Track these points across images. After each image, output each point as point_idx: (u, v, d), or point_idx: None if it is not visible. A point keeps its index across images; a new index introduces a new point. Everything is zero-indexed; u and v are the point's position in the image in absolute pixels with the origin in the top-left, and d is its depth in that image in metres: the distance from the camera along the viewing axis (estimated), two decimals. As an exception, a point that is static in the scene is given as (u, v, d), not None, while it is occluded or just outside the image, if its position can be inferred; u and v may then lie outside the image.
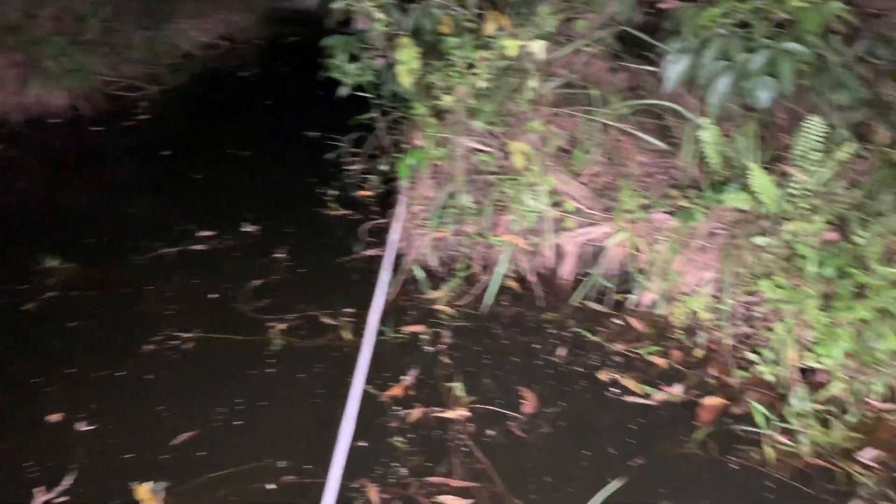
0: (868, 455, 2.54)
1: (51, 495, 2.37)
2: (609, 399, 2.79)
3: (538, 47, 3.19)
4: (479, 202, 3.41)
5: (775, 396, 2.75)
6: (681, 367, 2.92)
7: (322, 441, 2.47)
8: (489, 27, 3.23)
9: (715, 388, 2.82)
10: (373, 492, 2.39)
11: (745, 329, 2.98)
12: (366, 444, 2.54)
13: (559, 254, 3.39)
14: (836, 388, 2.69)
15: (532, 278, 3.38)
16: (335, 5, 3.53)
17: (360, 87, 3.66)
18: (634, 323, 3.15)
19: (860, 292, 2.70)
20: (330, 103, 3.71)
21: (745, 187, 2.93)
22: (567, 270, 3.40)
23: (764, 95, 2.87)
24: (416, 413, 2.70)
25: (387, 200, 3.86)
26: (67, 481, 2.41)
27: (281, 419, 2.67)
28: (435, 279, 3.38)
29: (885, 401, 2.70)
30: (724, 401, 2.75)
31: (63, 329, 3.10)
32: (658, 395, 2.79)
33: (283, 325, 3.10)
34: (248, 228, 3.79)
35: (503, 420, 2.69)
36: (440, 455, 2.53)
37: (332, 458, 2.32)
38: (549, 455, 2.56)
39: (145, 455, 2.52)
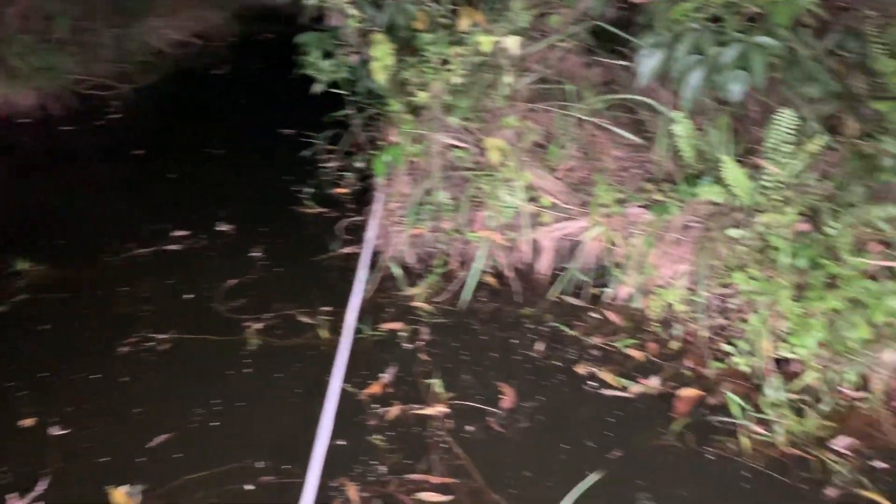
0: (841, 443, 2.57)
1: (24, 501, 2.34)
2: (587, 392, 2.80)
3: (512, 43, 3.19)
4: (456, 198, 3.40)
5: (750, 387, 2.78)
6: (657, 360, 2.94)
7: (300, 440, 2.46)
8: (463, 23, 3.23)
9: (691, 379, 2.84)
10: (352, 490, 2.38)
11: (721, 321, 3.00)
12: (345, 443, 2.54)
13: (536, 249, 3.40)
14: (809, 378, 2.73)
15: (509, 274, 3.39)
16: (308, 2, 3.51)
17: (334, 84, 3.64)
18: (611, 316, 3.16)
19: (832, 283, 2.74)
20: (305, 101, 3.68)
21: (718, 180, 2.95)
22: (544, 265, 3.41)
23: (736, 89, 2.89)
24: (394, 410, 2.69)
25: (363, 198, 3.85)
26: (41, 487, 2.38)
27: (259, 419, 2.66)
28: (412, 276, 3.38)
29: (857, 389, 2.74)
30: (700, 392, 2.78)
31: (35, 332, 3.06)
32: (635, 388, 2.80)
33: (259, 325, 3.08)
34: (223, 227, 3.76)
35: (482, 415, 2.69)
36: (419, 452, 2.53)
37: (311, 458, 2.32)
38: (528, 449, 2.57)
39: (121, 458, 2.49)
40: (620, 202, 3.21)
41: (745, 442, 2.58)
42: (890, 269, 2.69)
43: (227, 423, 2.64)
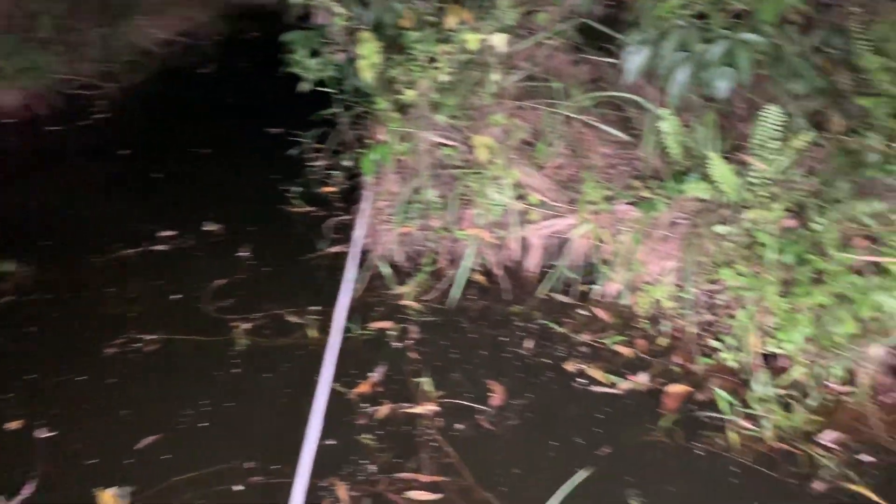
0: (828, 437, 2.59)
1: (11, 504, 2.32)
2: (576, 389, 2.81)
3: (499, 40, 3.19)
4: (444, 196, 3.40)
5: (738, 382, 2.79)
6: (646, 356, 2.95)
7: (289, 440, 2.45)
8: (450, 21, 3.22)
9: (679, 375, 2.86)
10: (342, 490, 2.38)
11: (708, 317, 3.02)
12: (334, 443, 2.53)
13: (525, 246, 3.40)
14: (797, 373, 2.74)
15: (498, 271, 3.39)
16: (294, 0, 3.50)
17: (321, 83, 3.62)
18: (600, 313, 3.17)
19: (818, 278, 2.75)
20: (292, 99, 3.66)
21: (705, 177, 2.96)
22: (533, 263, 3.41)
23: (722, 85, 2.91)
24: (384, 409, 2.69)
25: (351, 196, 3.83)
26: (28, 490, 2.37)
27: (247, 420, 2.65)
28: (401, 275, 3.37)
29: (844, 384, 2.76)
30: (688, 388, 2.79)
31: (21, 334, 3.04)
32: (624, 384, 2.81)
33: (247, 325, 3.07)
34: (211, 227, 3.74)
35: (472, 413, 2.69)
36: (409, 451, 2.53)
37: (300, 458, 2.31)
38: (518, 447, 2.57)
39: (109, 460, 2.48)
40: (608, 199, 3.22)
41: (733, 437, 2.59)
42: (875, 264, 2.71)
43: (216, 424, 2.63)
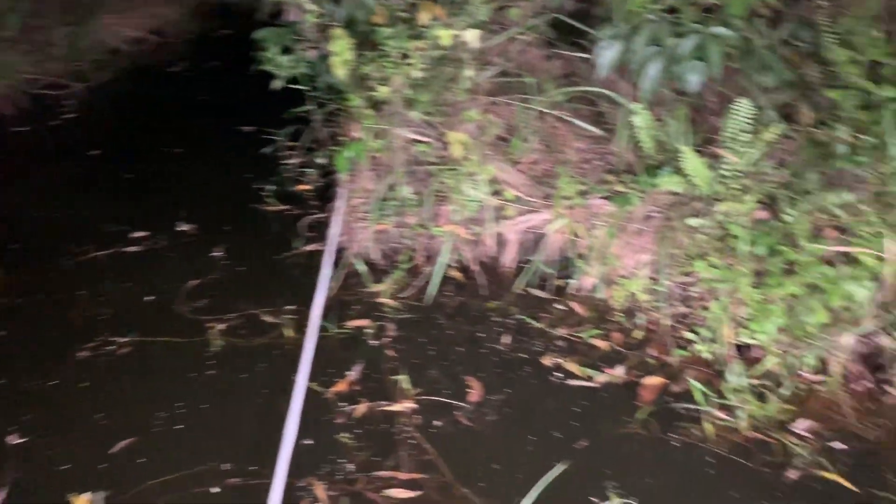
0: (802, 426, 2.63)
1: (-18, 513, 2.28)
2: (553, 384, 2.82)
3: (472, 36, 3.19)
4: (420, 193, 3.39)
5: (713, 373, 2.82)
6: (622, 349, 2.97)
7: (267, 441, 2.44)
8: (423, 17, 3.21)
9: (655, 367, 2.88)
10: (319, 489, 2.36)
11: (682, 309, 3.04)
12: (311, 442, 2.52)
13: (501, 242, 3.41)
14: (770, 363, 2.78)
15: (475, 267, 3.39)
16: (265, -3, 3.47)
17: (294, 80, 3.59)
18: (576, 307, 3.19)
19: (790, 269, 2.79)
20: (264, 97, 3.62)
21: (678, 170, 2.98)
22: (509, 258, 3.42)
23: (694, 79, 2.93)
24: (361, 408, 2.68)
25: (326, 194, 3.81)
26: (0, 497, 2.32)
27: (223, 421, 2.63)
28: (378, 272, 3.36)
29: (816, 373, 2.80)
30: (664, 380, 2.81)
31: (-10, 339, 2.99)
32: (600, 378, 2.83)
33: (222, 326, 3.04)
34: (184, 227, 3.70)
35: (450, 410, 2.69)
36: (387, 449, 2.53)
37: (278, 458, 2.29)
38: (496, 442, 2.58)
39: (82, 465, 2.44)
40: (583, 194, 3.23)
41: (708, 428, 2.61)
42: (845, 254, 2.75)
43: (192, 426, 2.60)
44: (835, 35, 2.89)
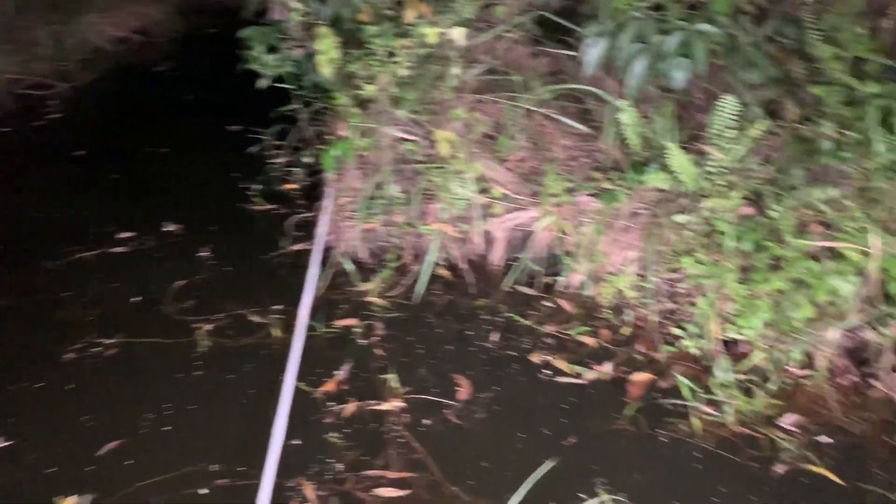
0: (789, 420, 2.64)
1: (-33, 517, 2.26)
2: (542, 381, 2.82)
3: (458, 34, 3.18)
4: (407, 191, 3.39)
5: (700, 369, 2.83)
6: (610, 346, 2.98)
7: (255, 442, 2.43)
8: (409, 15, 3.21)
9: (643, 364, 2.89)
10: (309, 489, 2.36)
11: (670, 305, 3.05)
12: (300, 442, 2.51)
13: (489, 240, 3.41)
14: (757, 358, 2.79)
15: (463, 265, 3.39)
16: (251, -4, 3.46)
17: (280, 79, 3.58)
18: (564, 304, 3.19)
19: (776, 264, 2.80)
20: (250, 96, 3.61)
21: (664, 167, 2.99)
22: (497, 256, 3.42)
23: (679, 76, 2.94)
24: (350, 407, 2.67)
25: (313, 193, 3.80)
26: (-15, 501, 2.31)
27: (211, 422, 2.61)
28: (365, 271, 3.35)
29: (802, 367, 2.81)
30: (651, 376, 2.82)
31: (-26, 342, 2.96)
32: (589, 374, 2.84)
33: (209, 326, 3.03)
34: (170, 228, 3.68)
35: (439, 408, 2.69)
36: (376, 448, 2.52)
37: (266, 458, 2.29)
38: (485, 440, 2.58)
39: (69, 468, 2.42)
40: (570, 191, 3.24)
41: (696, 423, 2.63)
42: (831, 249, 2.77)
43: (179, 427, 2.59)
44: (819, 31, 2.91)
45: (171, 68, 5.67)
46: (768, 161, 3.08)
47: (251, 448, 2.44)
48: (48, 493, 2.32)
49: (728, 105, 2.88)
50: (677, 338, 2.94)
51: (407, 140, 3.42)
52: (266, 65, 3.50)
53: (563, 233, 3.22)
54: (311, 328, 2.91)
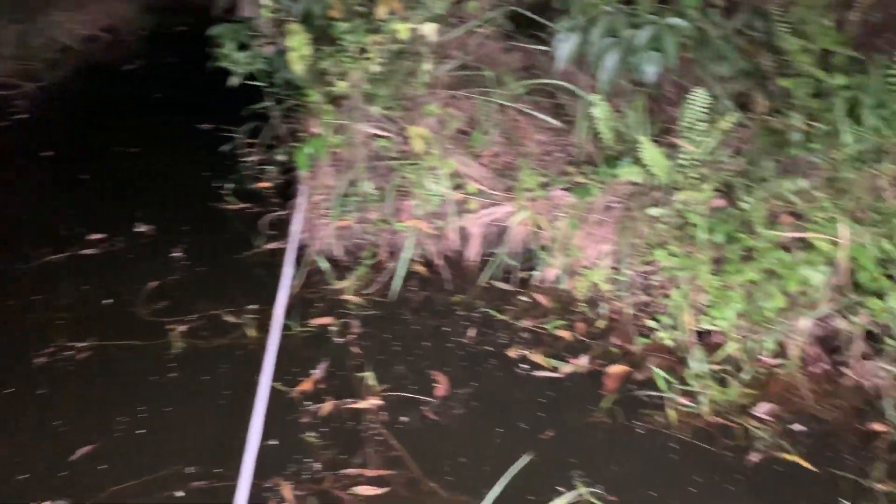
0: (762, 409, 2.67)
1: (-63, 527, 2.22)
2: (519, 375, 2.83)
3: (430, 30, 3.18)
4: (382, 188, 3.38)
5: (675, 360, 2.86)
6: (585, 339, 2.99)
7: (231, 443, 2.41)
8: (380, 11, 3.19)
9: (618, 356, 2.91)
10: (286, 489, 2.34)
11: (644, 297, 3.07)
12: (277, 443, 2.49)
13: (464, 236, 3.40)
14: (730, 348, 2.82)
15: (439, 262, 3.39)
16: (220, -8, 3.42)
17: (251, 76, 3.55)
18: (540, 299, 3.20)
19: (748, 255, 2.84)
20: (222, 94, 3.57)
21: (637, 160, 3.01)
22: (473, 252, 3.42)
23: (650, 70, 2.96)
24: (327, 406, 2.66)
25: (287, 191, 3.76)
26: (-45, 510, 2.27)
27: (186, 424, 2.59)
28: (341, 269, 3.34)
29: (775, 357, 2.85)
30: (627, 368, 2.84)
31: (-58, 348, 2.90)
32: (565, 368, 2.85)
33: (183, 327, 2.99)
34: (142, 228, 3.63)
35: (416, 405, 2.69)
36: (354, 446, 2.51)
37: (243, 459, 2.27)
38: (463, 436, 2.58)
39: (41, 474, 2.39)
40: (544, 186, 3.25)
41: (671, 414, 2.65)
42: (801, 239, 2.81)
43: (154, 430, 2.56)
44: (787, 24, 2.95)
45: (141, 66, 5.59)
46: (739, 153, 3.11)
47: (227, 449, 2.42)
48: (21, 500, 2.28)
49: (699, 98, 2.90)
50: (652, 330, 2.96)
51: (380, 136, 3.40)
52: (237, 62, 3.47)
53: (538, 227, 3.23)
54: (286, 327, 2.89)
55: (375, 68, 3.18)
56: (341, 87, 3.21)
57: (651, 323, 2.98)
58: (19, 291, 3.19)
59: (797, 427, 2.62)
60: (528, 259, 3.31)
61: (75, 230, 3.58)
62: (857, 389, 2.76)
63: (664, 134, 3.15)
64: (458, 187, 3.31)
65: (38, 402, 2.67)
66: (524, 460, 2.41)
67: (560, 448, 2.52)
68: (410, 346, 2.97)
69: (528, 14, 3.53)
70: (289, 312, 2.95)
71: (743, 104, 3.23)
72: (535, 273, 3.28)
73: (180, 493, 2.33)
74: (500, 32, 3.74)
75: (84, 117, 4.85)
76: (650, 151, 2.94)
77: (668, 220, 2.97)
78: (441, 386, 2.77)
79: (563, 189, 3.23)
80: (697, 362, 2.78)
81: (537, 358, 2.89)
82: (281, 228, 3.51)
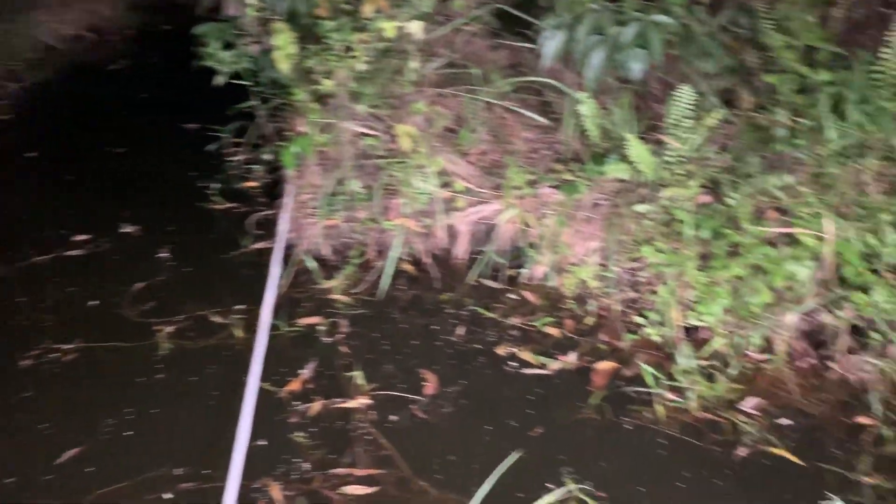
0: (749, 404, 2.69)
1: (-78, 532, 2.20)
2: (508, 373, 2.83)
3: (416, 28, 3.17)
4: (369, 187, 3.37)
5: (663, 356, 2.87)
6: (574, 336, 3.00)
7: (219, 444, 2.40)
8: (366, 9, 3.18)
9: (607, 353, 2.91)
10: (275, 490, 2.34)
11: (632, 294, 3.08)
12: (265, 443, 2.49)
13: (452, 234, 3.40)
14: (717, 344, 2.84)
15: (427, 260, 3.38)
16: (204, -9, 3.40)
17: (237, 75, 3.53)
18: (528, 296, 3.20)
19: (734, 251, 2.85)
20: (207, 93, 3.55)
21: (624, 158, 3.02)
22: (461, 250, 3.42)
23: (636, 67, 2.96)
24: (316, 406, 2.65)
25: (274, 191, 3.75)
26: (-60, 515, 2.25)
27: (174, 425, 2.57)
28: (329, 268, 3.33)
29: (762, 352, 2.86)
30: (615, 364, 2.85)
31: (-75, 351, 2.87)
32: (554, 365, 2.85)
33: (170, 328, 2.98)
34: (128, 229, 3.60)
35: (405, 404, 2.69)
36: (343, 446, 2.51)
37: (232, 460, 2.27)
38: (453, 434, 2.58)
39: (27, 478, 2.37)
40: (532, 183, 3.25)
41: (660, 410, 2.66)
42: (787, 235, 2.82)
43: (142, 432, 2.54)
44: (772, 21, 2.96)
45: (126, 66, 5.55)
46: (725, 149, 3.12)
47: (216, 450, 2.41)
48: (7, 504, 2.27)
49: (684, 95, 2.91)
50: (640, 326, 2.97)
51: (367, 135, 3.39)
52: (222, 61, 3.45)
53: (526, 225, 3.24)
54: (274, 327, 2.88)
55: (362, 66, 3.17)
56: (327, 85, 3.20)
57: (639, 319, 2.99)
58: (4, 294, 3.17)
59: (784, 421, 2.64)
60: (517, 257, 3.31)
61: (60, 231, 3.56)
62: (843, 383, 2.78)
63: (650, 131, 3.16)
64: (445, 185, 3.31)
65: (24, 405, 2.65)
66: (513, 457, 2.41)
67: (549, 445, 2.52)
68: (399, 344, 2.96)
69: (515, 12, 3.52)
70: (276, 312, 2.94)
71: (728, 101, 3.24)
72: (523, 270, 3.29)
73: (168, 495, 2.32)
74: (487, 30, 3.74)
75: (69, 117, 4.81)
76: (637, 148, 2.94)
77: (654, 217, 2.98)
78: (430, 384, 2.77)
79: (550, 186, 3.23)
80: (685, 358, 2.79)
81: (526, 355, 2.89)
82: (268, 228, 3.50)
